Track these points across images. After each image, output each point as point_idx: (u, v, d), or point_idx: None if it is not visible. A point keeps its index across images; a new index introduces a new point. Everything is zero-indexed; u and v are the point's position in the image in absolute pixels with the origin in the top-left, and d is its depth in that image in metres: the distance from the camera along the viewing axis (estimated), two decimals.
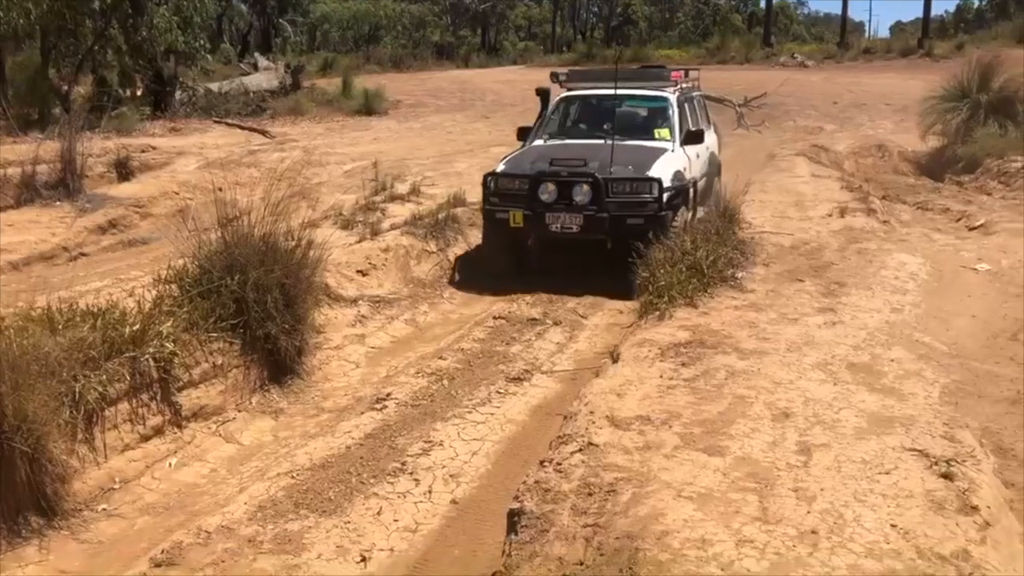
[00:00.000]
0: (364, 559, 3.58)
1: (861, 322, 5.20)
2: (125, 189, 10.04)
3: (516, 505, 3.32)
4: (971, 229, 8.57)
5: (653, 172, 7.38)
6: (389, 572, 3.54)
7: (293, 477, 4.26)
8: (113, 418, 4.31)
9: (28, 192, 8.90)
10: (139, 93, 17.21)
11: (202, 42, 17.91)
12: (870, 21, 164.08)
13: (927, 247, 7.66)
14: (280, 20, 36.37)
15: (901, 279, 6.31)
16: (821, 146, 14.06)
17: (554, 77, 9.35)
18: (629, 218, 7.20)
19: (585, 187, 7.28)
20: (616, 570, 2.73)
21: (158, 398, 4.60)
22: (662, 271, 5.79)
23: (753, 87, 19.46)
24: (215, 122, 16.20)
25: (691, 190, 7.99)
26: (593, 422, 3.79)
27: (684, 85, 9.16)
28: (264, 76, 21.33)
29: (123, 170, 10.96)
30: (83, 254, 8.35)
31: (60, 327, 4.35)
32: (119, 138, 12.44)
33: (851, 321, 5.21)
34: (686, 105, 8.85)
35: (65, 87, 15.29)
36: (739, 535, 2.83)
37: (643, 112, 8.90)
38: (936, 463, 3.29)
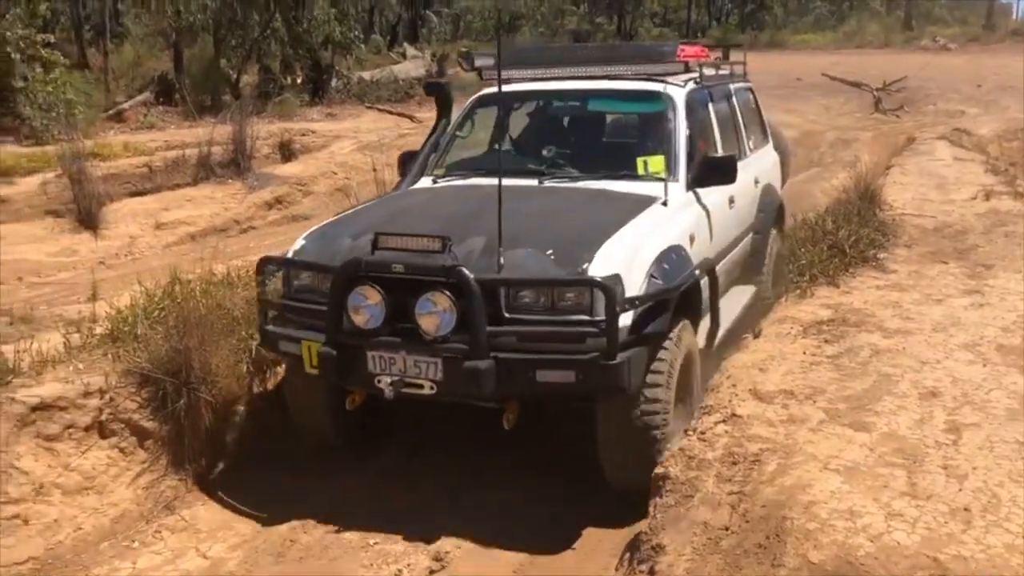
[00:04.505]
0: None
1: (1010, 304, 4.94)
2: (288, 169, 10.72)
3: (661, 470, 3.37)
4: None
5: (597, 263, 3.56)
6: None
7: None
8: None
9: (204, 171, 9.72)
10: (299, 81, 18.21)
11: (356, 33, 18.75)
12: (1018, 2, 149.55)
13: None
14: (426, 11, 37.54)
15: None
16: (963, 129, 13.26)
17: (465, 61, 5.47)
18: (542, 368, 3.47)
19: (440, 298, 3.48)
20: (763, 536, 2.73)
21: None
22: (803, 250, 5.65)
23: (891, 71, 18.64)
24: (367, 108, 16.90)
25: (704, 282, 4.25)
26: (736, 394, 3.79)
27: (708, 72, 5.38)
28: (412, 64, 22.07)
29: (286, 152, 11.72)
30: (252, 227, 9.07)
31: (239, 290, 4.74)
32: (281, 122, 13.25)
33: (999, 303, 4.97)
34: (710, 108, 5.19)
35: (234, 75, 16.39)
36: (888, 508, 2.78)
37: (623, 124, 5.40)
38: None
